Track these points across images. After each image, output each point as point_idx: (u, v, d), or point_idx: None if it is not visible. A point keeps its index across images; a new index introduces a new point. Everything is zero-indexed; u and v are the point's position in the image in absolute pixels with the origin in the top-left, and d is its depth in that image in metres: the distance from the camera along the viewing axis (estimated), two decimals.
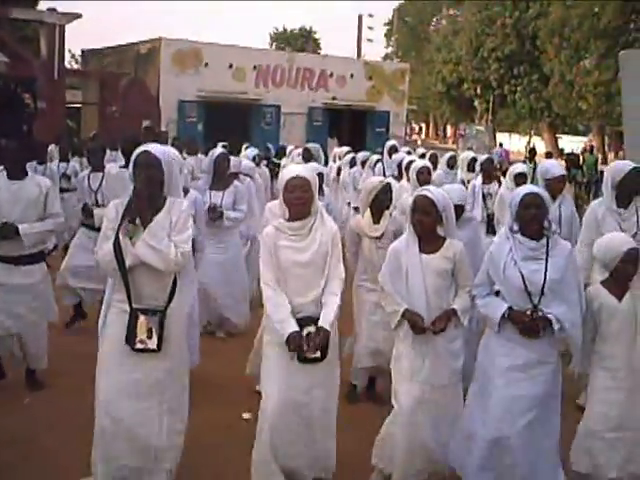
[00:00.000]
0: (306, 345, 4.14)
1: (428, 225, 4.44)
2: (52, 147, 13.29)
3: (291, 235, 4.22)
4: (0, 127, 20.51)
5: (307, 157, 10.33)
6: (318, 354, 4.18)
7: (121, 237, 4.05)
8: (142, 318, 4.13)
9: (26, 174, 5.88)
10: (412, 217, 4.45)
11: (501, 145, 35.09)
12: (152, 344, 4.14)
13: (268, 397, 4.28)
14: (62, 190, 10.00)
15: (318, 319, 4.20)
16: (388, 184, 5.80)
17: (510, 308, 4.27)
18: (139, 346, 4.14)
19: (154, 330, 4.14)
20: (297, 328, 4.14)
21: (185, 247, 4.17)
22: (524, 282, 4.21)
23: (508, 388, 4.25)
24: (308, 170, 4.36)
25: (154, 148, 4.20)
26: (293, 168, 4.45)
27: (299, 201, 4.18)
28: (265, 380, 4.40)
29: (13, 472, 4.72)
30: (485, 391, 4.36)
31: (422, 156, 11.70)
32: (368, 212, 5.84)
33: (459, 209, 5.51)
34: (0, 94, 21.50)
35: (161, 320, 4.15)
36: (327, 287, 4.25)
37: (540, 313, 4.20)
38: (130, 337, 4.13)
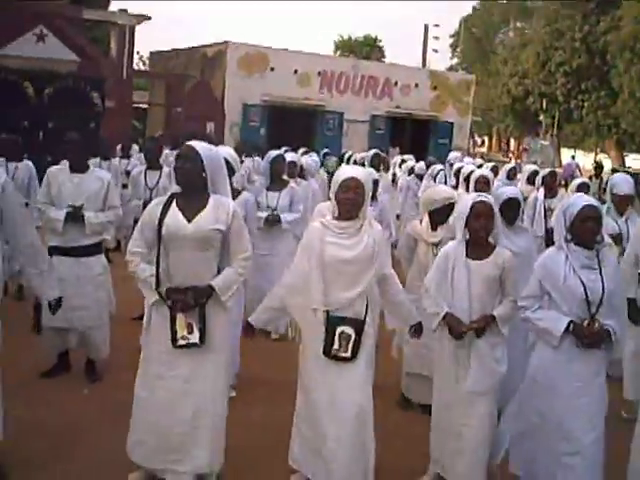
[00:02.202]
0: (338, 344, 4.15)
1: (490, 230, 4.43)
2: (120, 146, 13.62)
3: (338, 233, 4.21)
4: (68, 124, 21.08)
5: (376, 163, 10.36)
6: (348, 354, 4.18)
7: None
8: (179, 315, 4.16)
9: (87, 168, 6.02)
10: (474, 223, 4.41)
11: (573, 158, 34.50)
12: (194, 338, 4.18)
13: (304, 399, 4.36)
14: (123, 186, 10.21)
15: (353, 319, 4.19)
16: (453, 204, 5.75)
17: (571, 321, 4.19)
18: (181, 342, 4.18)
19: (194, 324, 4.16)
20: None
21: (247, 264, 4.34)
22: (585, 291, 4.13)
23: (571, 400, 4.17)
24: (364, 173, 4.33)
25: (197, 144, 4.26)
26: (350, 169, 4.43)
27: (350, 201, 4.16)
28: (300, 380, 4.44)
29: (65, 461, 4.81)
30: (545, 407, 4.27)
31: (480, 167, 11.62)
32: (427, 218, 5.81)
33: (514, 203, 5.47)
34: (70, 92, 21.94)
35: (202, 314, 4.17)
36: (387, 287, 4.37)
37: (597, 324, 4.13)
38: (172, 335, 4.18)
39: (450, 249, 4.55)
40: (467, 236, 4.49)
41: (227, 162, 5.54)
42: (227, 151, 5.81)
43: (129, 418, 4.42)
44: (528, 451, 4.37)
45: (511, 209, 5.43)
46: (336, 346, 4.15)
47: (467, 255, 4.44)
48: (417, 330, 4.66)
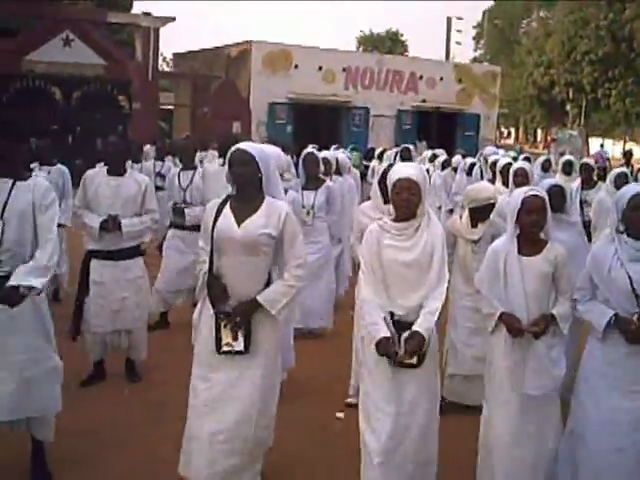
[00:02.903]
0: (402, 350, 3.94)
1: (543, 226, 4.26)
2: (148, 147, 13.58)
3: (396, 234, 4.05)
4: (97, 127, 21.24)
5: (406, 157, 10.29)
6: (414, 360, 3.97)
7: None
8: (226, 321, 4.09)
9: (125, 171, 6.01)
10: (526, 218, 4.20)
11: (602, 146, 34.14)
12: (238, 346, 4.09)
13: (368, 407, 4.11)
14: (157, 188, 10.20)
15: None
16: (494, 204, 5.65)
17: (616, 314, 4.04)
18: (225, 349, 4.10)
19: (239, 332, 4.08)
20: (388, 334, 3.96)
21: (299, 273, 4.19)
22: (631, 284, 3.99)
23: (622, 401, 4.04)
24: (418, 171, 4.14)
25: (248, 145, 4.19)
26: (403, 168, 4.21)
27: (406, 203, 3.99)
28: (363, 388, 4.24)
29: (108, 461, 4.81)
30: (593, 402, 4.17)
31: (514, 159, 11.48)
32: (467, 214, 5.71)
33: (559, 191, 5.40)
34: (97, 96, 22.09)
35: (248, 322, 4.09)
36: (432, 291, 4.04)
37: None
38: (217, 341, 4.11)
39: (500, 246, 4.36)
40: (517, 232, 4.33)
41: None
42: (273, 151, 5.69)
43: (169, 418, 4.39)
44: (573, 451, 4.26)
45: (556, 197, 5.32)
46: (401, 353, 3.94)
47: (518, 251, 4.29)
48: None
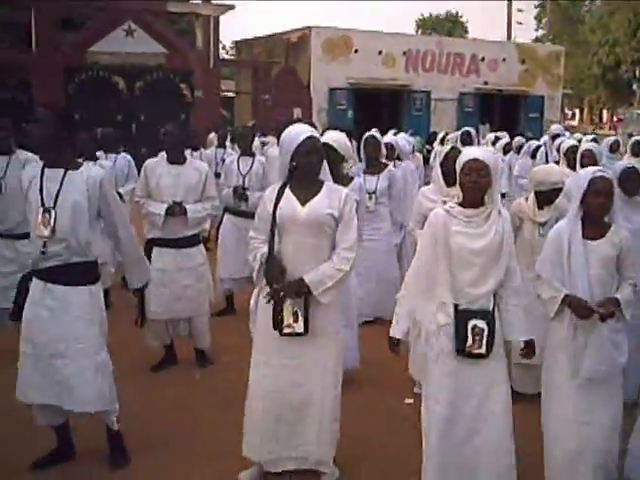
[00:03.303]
0: (471, 339, 3.86)
1: (609, 208, 4.10)
2: (213, 135, 13.70)
3: (465, 221, 3.91)
4: (160, 116, 21.49)
5: (468, 141, 10.16)
6: (483, 350, 3.87)
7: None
8: (288, 302, 4.11)
9: (185, 159, 6.07)
10: (593, 200, 4.05)
11: None
12: (299, 328, 4.13)
13: (430, 406, 4.00)
14: (217, 175, 10.28)
15: (487, 312, 3.89)
16: (561, 189, 5.52)
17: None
18: (287, 330, 4.14)
19: (299, 313, 4.12)
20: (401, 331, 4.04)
21: (349, 256, 4.17)
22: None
23: None
24: (489, 153, 4.04)
25: (314, 132, 4.22)
26: (473, 150, 4.12)
27: (474, 185, 3.85)
28: (427, 381, 4.15)
29: (180, 445, 4.91)
30: None
31: (579, 141, 11.22)
32: (533, 196, 5.61)
33: (634, 173, 5.24)
34: (159, 85, 22.35)
35: (306, 303, 4.13)
36: (508, 282, 3.96)
37: None
38: (278, 323, 4.15)
39: (563, 228, 4.18)
40: (581, 214, 4.19)
41: (334, 149, 5.48)
42: (335, 137, 5.65)
43: (239, 402, 4.43)
44: None
45: (630, 180, 5.17)
46: (469, 342, 3.85)
47: (582, 234, 4.16)
48: (528, 350, 4.09)
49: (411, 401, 5.52)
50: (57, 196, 4.18)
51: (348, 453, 4.54)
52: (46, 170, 4.25)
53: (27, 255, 4.45)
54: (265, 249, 4.19)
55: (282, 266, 4.14)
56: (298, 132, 4.17)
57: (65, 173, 4.23)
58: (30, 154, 6.29)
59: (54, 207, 4.17)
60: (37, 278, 4.26)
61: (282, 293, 4.09)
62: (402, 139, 9.98)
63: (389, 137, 9.37)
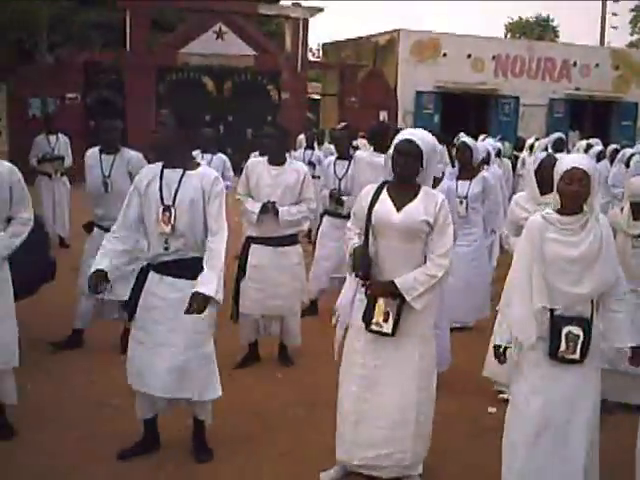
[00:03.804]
0: (565, 345, 3.80)
1: None
2: (302, 136, 13.81)
3: (561, 228, 3.84)
4: (247, 117, 21.78)
5: (559, 148, 9.95)
6: (577, 355, 3.81)
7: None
8: (381, 301, 4.13)
9: (285, 160, 6.14)
10: None
11: None
12: (387, 328, 4.13)
13: (516, 411, 3.96)
14: None
15: (580, 318, 3.84)
16: None
17: None
18: (374, 328, 4.15)
19: (391, 314, 4.11)
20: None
21: (443, 263, 4.13)
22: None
23: None
24: (589, 161, 3.97)
25: (415, 135, 4.20)
26: (573, 157, 4.08)
27: (575, 194, 3.77)
28: (513, 388, 4.09)
29: (265, 442, 4.94)
30: None
31: None
32: (628, 206, 5.45)
33: None
34: (247, 86, 22.63)
35: (399, 305, 4.12)
36: (613, 288, 3.89)
37: None
38: (367, 317, 4.15)
39: None
40: None
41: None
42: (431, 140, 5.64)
43: (320, 402, 4.43)
44: None
45: None
46: (563, 347, 3.81)
47: None
48: (636, 356, 3.99)
49: (494, 410, 5.45)
50: (176, 195, 4.30)
51: (428, 460, 4.47)
52: (165, 170, 4.38)
53: (138, 250, 4.56)
54: (356, 240, 4.24)
55: (369, 256, 4.17)
56: (402, 134, 4.21)
57: (184, 173, 4.36)
58: (133, 152, 6.48)
59: (173, 205, 4.29)
60: (154, 271, 4.42)
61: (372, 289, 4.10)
62: (488, 145, 9.79)
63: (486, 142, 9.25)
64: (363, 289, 4.23)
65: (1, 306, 4.72)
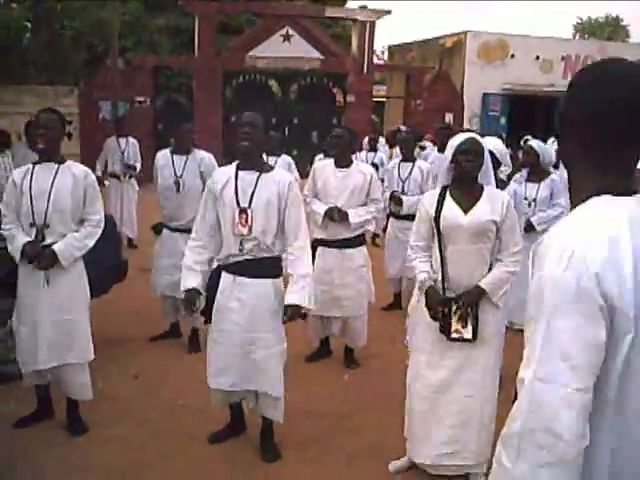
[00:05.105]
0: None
1: None
2: (366, 139, 13.81)
3: None
4: (312, 120, 21.88)
5: None
6: (469, 334, 4.06)
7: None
8: (454, 307, 4.16)
9: (351, 162, 6.18)
10: None
11: None
12: (467, 334, 4.16)
13: None
14: None
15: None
16: None
17: None
18: (454, 335, 4.18)
19: (469, 320, 4.14)
20: None
21: (518, 258, 4.20)
22: None
23: None
24: None
25: (471, 134, 4.31)
26: None
27: None
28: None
29: (329, 445, 4.96)
30: None
31: None
32: None
33: None
34: (313, 89, 22.73)
35: (475, 311, 4.16)
36: None
37: None
38: (446, 327, 4.16)
39: None
40: None
41: (492, 154, 5.44)
42: (493, 143, 5.70)
43: (386, 406, 4.43)
44: None
45: None
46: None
47: None
48: None
49: None
50: (252, 197, 4.38)
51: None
52: (240, 172, 4.46)
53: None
54: (425, 267, 4.31)
55: (439, 297, 4.22)
56: (461, 135, 4.29)
57: (260, 176, 4.44)
58: (204, 153, 6.60)
59: (249, 207, 4.35)
60: (226, 272, 4.50)
61: (459, 302, 4.16)
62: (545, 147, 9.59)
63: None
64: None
65: (77, 303, 4.86)
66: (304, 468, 4.63)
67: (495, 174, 5.47)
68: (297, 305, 4.33)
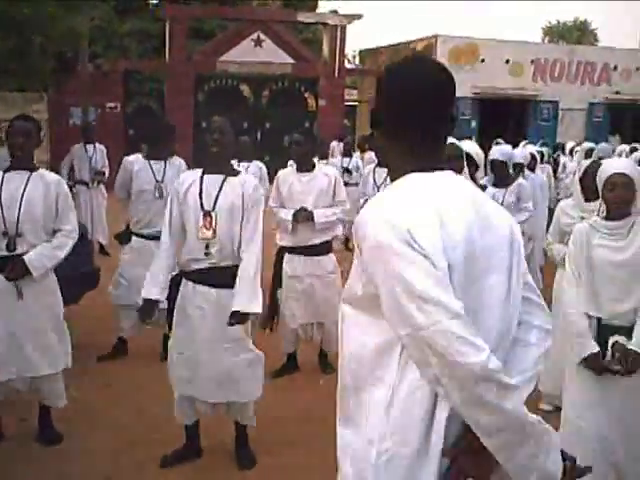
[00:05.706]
0: (610, 356, 3.75)
1: None
2: (334, 143, 13.81)
3: (607, 234, 3.83)
4: (284, 125, 21.86)
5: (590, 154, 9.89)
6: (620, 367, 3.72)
7: None
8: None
9: (314, 167, 6.19)
10: None
11: None
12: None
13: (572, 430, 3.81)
14: (344, 184, 10.34)
15: (628, 327, 3.75)
16: None
17: None
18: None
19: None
20: (596, 348, 3.75)
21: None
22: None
23: None
24: (632, 166, 3.93)
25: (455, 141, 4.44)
26: (615, 163, 4.06)
27: (619, 200, 3.76)
28: (566, 405, 4.03)
29: (306, 448, 4.94)
30: None
31: None
32: None
33: None
34: (285, 94, 22.73)
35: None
36: None
37: None
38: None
39: None
40: None
41: (470, 157, 5.46)
42: (470, 146, 5.72)
43: None
44: None
45: None
46: (608, 358, 3.75)
47: None
48: None
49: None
50: (216, 200, 4.36)
51: None
52: (205, 176, 4.44)
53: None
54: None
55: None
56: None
57: (225, 179, 4.42)
58: (180, 159, 6.55)
59: (213, 210, 4.35)
60: (187, 279, 4.46)
61: None
62: (525, 150, 9.73)
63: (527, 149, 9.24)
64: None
65: (50, 314, 4.81)
66: (279, 472, 4.63)
67: (474, 177, 5.50)
68: (245, 312, 4.27)
